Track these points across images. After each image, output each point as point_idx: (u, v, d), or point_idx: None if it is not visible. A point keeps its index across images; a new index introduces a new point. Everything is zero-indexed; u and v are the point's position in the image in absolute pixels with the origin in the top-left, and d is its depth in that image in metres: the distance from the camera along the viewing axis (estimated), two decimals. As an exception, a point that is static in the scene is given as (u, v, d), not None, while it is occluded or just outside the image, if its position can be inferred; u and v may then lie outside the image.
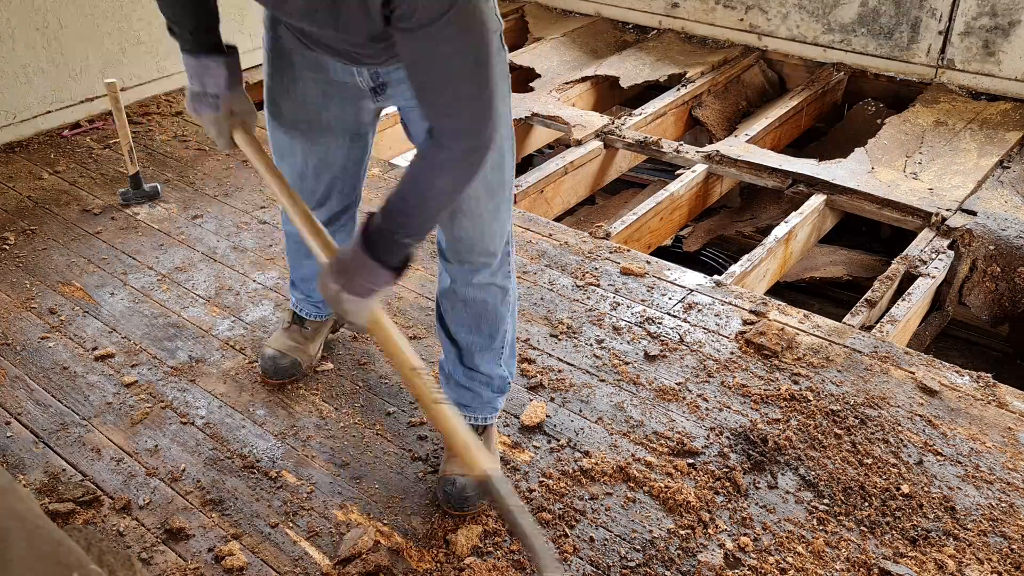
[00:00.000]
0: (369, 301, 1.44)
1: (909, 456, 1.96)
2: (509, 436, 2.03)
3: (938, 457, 1.96)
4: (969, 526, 1.79)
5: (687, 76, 4.03)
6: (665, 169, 3.92)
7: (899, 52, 3.93)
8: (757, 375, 2.22)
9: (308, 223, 1.60)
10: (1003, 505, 1.84)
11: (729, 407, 2.12)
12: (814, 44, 4.16)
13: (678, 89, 3.95)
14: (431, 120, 1.35)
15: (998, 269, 2.69)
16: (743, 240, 3.57)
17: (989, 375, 2.18)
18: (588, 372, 2.23)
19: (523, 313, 2.46)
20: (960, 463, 1.95)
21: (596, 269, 2.65)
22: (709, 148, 3.36)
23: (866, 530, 1.79)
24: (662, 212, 3.08)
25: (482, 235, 1.70)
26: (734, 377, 2.21)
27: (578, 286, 2.58)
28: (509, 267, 1.81)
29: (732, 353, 2.30)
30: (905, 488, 1.87)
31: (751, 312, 2.44)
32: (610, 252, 2.74)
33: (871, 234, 3.64)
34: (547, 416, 2.09)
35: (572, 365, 2.26)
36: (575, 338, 2.36)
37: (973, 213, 2.83)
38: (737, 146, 3.38)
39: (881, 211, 2.95)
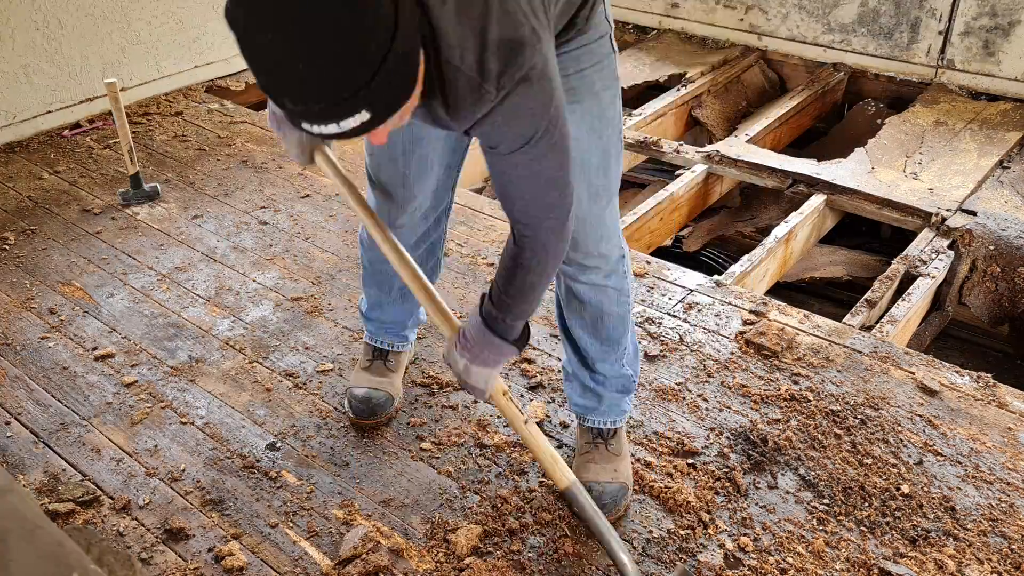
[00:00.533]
0: (495, 371, 1.54)
1: (909, 456, 1.96)
2: (509, 436, 2.03)
3: (938, 457, 1.96)
4: (969, 526, 1.79)
5: (687, 76, 4.03)
6: (665, 169, 3.91)
7: (899, 52, 3.93)
8: (757, 375, 2.22)
9: (422, 287, 1.60)
10: (1003, 505, 1.84)
11: (729, 407, 2.12)
12: (814, 44, 4.16)
13: (678, 89, 3.95)
14: (512, 217, 1.41)
15: (998, 269, 2.69)
16: (743, 240, 3.57)
17: (989, 375, 2.18)
18: (588, 372, 2.23)
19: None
20: (960, 463, 1.95)
21: (596, 269, 2.65)
22: (709, 148, 3.37)
23: (866, 530, 1.79)
24: (662, 212, 3.08)
25: (587, 236, 1.66)
26: (734, 377, 2.21)
27: (578, 286, 2.57)
28: (624, 269, 1.77)
29: (732, 353, 2.30)
30: (905, 488, 1.87)
31: (751, 312, 2.44)
32: (610, 252, 2.73)
33: (871, 234, 3.64)
34: (547, 416, 2.09)
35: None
36: (575, 338, 2.36)
37: (973, 213, 2.83)
38: (737, 146, 3.38)
39: (881, 211, 2.95)
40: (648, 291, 2.55)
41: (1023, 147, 3.32)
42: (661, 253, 3.39)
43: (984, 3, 3.64)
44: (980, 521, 1.81)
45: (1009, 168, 3.16)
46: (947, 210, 2.86)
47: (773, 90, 4.28)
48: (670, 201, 3.12)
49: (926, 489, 1.88)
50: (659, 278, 2.61)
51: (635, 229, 2.96)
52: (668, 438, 2.02)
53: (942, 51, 3.82)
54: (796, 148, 3.96)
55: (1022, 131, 3.39)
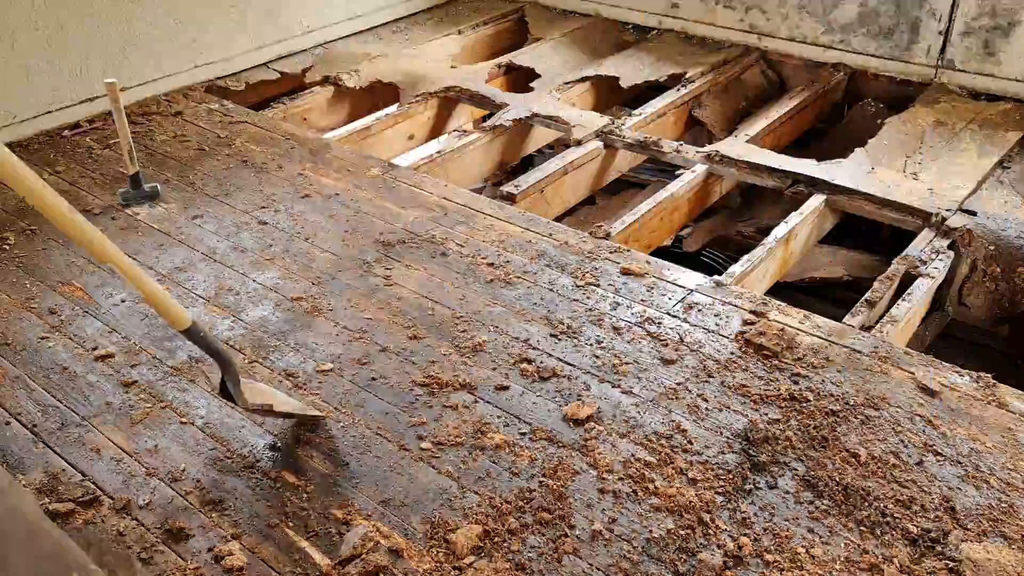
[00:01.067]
0: None
1: (909, 456, 1.96)
2: (508, 436, 2.03)
3: (938, 457, 1.96)
4: (970, 526, 1.79)
5: (687, 76, 4.03)
6: (665, 169, 3.91)
7: (899, 52, 3.93)
8: (757, 375, 2.22)
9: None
10: (1003, 505, 1.84)
11: (729, 407, 2.12)
12: (814, 44, 4.16)
13: (678, 89, 3.95)
14: None
15: (998, 269, 2.69)
16: (743, 240, 3.57)
17: (989, 375, 2.18)
18: (588, 372, 2.23)
19: (523, 313, 2.46)
20: (960, 463, 1.95)
21: (596, 269, 2.65)
22: (709, 148, 3.36)
23: (866, 530, 1.79)
24: (662, 212, 3.08)
25: None
26: (734, 377, 2.21)
27: (578, 286, 2.58)
28: None
29: (732, 353, 2.30)
30: (905, 488, 1.87)
31: (751, 312, 2.44)
32: (610, 252, 2.74)
33: (871, 234, 3.63)
34: (596, 411, 2.08)
35: (572, 365, 2.26)
36: (575, 338, 2.36)
37: (973, 213, 2.82)
38: (737, 146, 3.38)
39: (881, 211, 2.95)
40: (648, 291, 2.55)
41: (1023, 147, 3.31)
42: (661, 253, 3.38)
43: (984, 3, 3.64)
44: (980, 521, 1.80)
45: (1009, 168, 3.16)
46: (947, 210, 2.86)
47: (773, 90, 4.28)
48: (670, 201, 3.12)
49: (926, 489, 1.88)
50: (659, 278, 2.61)
51: (635, 229, 2.96)
52: (668, 437, 2.02)
53: (942, 51, 3.82)
54: (797, 148, 3.96)
55: (1022, 131, 3.39)
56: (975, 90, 3.76)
